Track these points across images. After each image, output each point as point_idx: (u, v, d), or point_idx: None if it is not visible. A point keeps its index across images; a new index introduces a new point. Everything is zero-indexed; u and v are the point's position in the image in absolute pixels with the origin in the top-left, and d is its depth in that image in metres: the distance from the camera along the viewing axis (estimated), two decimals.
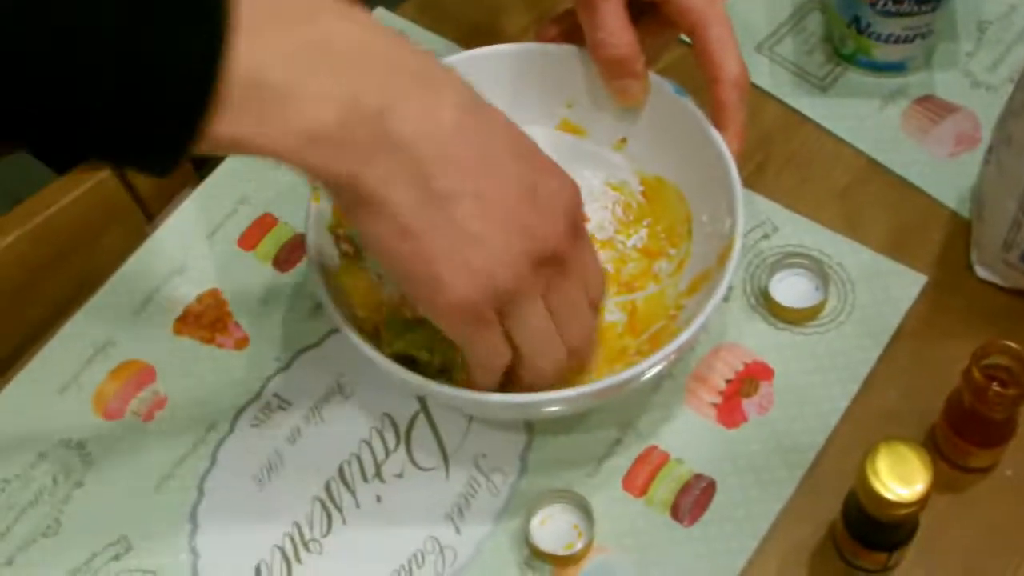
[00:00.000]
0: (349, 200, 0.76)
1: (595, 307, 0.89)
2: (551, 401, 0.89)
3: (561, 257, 0.80)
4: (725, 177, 0.94)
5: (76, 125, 0.68)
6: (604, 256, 1.01)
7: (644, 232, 1.02)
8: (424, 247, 0.76)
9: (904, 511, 0.83)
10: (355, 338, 0.88)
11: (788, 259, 1.04)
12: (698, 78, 0.96)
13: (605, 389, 0.87)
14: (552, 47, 1.01)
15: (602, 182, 1.03)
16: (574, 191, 0.83)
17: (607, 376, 0.90)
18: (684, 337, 0.88)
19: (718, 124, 0.96)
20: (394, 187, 0.74)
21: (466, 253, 0.76)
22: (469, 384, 0.87)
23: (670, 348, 0.87)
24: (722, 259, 0.92)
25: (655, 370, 0.89)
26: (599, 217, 1.03)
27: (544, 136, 0.99)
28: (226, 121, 0.68)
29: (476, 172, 0.76)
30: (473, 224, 0.76)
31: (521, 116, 0.95)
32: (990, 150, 1.01)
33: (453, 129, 0.75)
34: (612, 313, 0.99)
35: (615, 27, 0.94)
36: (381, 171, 0.73)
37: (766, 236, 1.06)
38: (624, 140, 1.02)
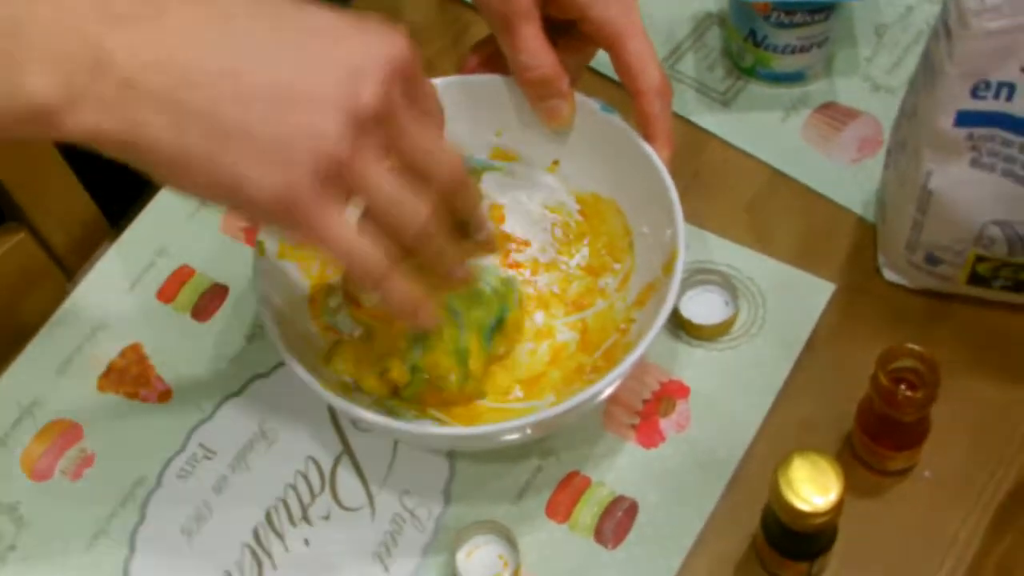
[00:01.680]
0: (128, 158, 0.73)
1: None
2: (510, 429, 0.90)
3: (372, 119, 0.75)
4: (660, 188, 0.95)
5: None
6: (548, 278, 1.03)
7: (586, 250, 1.03)
8: (196, 169, 0.73)
9: (819, 520, 0.84)
10: (299, 368, 0.90)
11: (697, 276, 1.05)
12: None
13: (566, 412, 0.88)
14: (476, 77, 1.02)
15: (539, 205, 1.04)
16: (380, 48, 0.76)
17: (566, 397, 0.90)
18: (639, 351, 0.89)
19: (646, 135, 0.96)
20: (149, 131, 0.72)
21: (252, 154, 0.72)
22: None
23: (626, 364, 0.89)
24: (667, 268, 0.93)
25: (612, 387, 0.91)
26: (540, 240, 1.04)
27: None
28: None
29: (221, 77, 0.72)
30: (251, 126, 0.72)
31: None
32: (889, 154, 1.03)
33: (182, 47, 0.72)
34: (563, 333, 1.01)
35: (536, 49, 0.95)
36: (129, 119, 0.71)
37: None
38: (557, 162, 1.03)
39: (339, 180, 0.74)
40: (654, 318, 0.90)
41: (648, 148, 0.96)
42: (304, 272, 0.99)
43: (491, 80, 1.01)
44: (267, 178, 0.72)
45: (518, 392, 0.98)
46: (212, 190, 0.74)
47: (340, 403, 0.89)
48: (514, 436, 0.93)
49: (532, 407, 0.96)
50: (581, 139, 1.01)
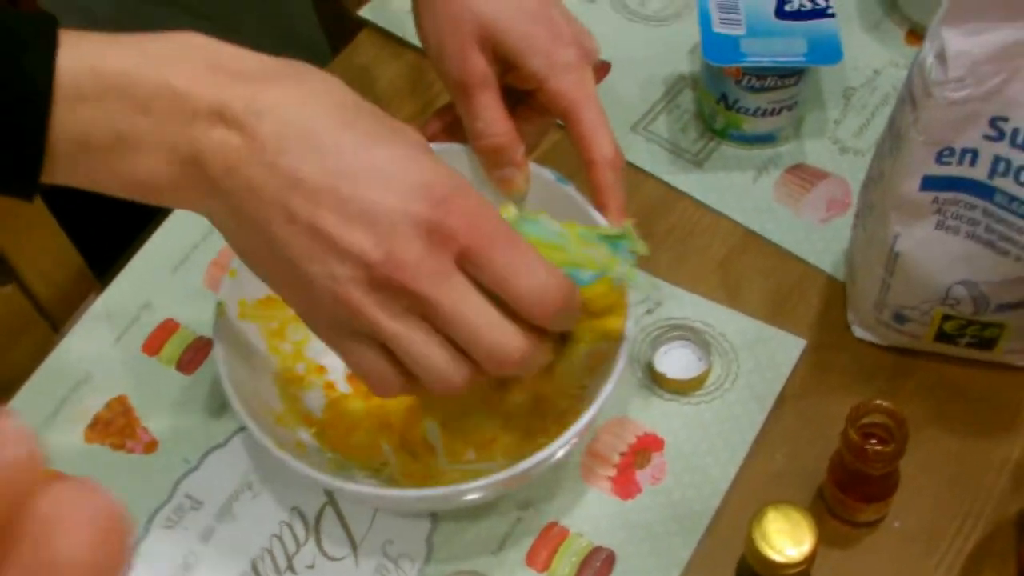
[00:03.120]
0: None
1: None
2: (462, 492, 0.91)
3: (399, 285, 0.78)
4: None
5: None
6: None
7: None
8: (255, 265, 0.82)
9: (793, 571, 0.86)
10: (260, 434, 0.91)
11: (671, 332, 1.07)
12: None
13: (513, 477, 0.90)
14: (435, 146, 1.02)
15: None
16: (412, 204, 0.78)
17: (517, 461, 0.91)
18: (588, 415, 0.90)
19: (598, 205, 0.98)
20: (222, 221, 0.80)
21: (290, 272, 0.79)
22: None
23: (577, 427, 0.90)
24: (616, 340, 0.94)
25: (563, 450, 0.92)
26: None
27: None
28: (60, 175, 0.77)
29: (279, 194, 0.76)
30: (287, 250, 0.78)
31: None
32: (857, 216, 1.06)
33: (259, 162, 0.76)
34: (515, 398, 1.02)
35: (493, 116, 0.97)
36: (207, 208, 0.79)
37: (649, 311, 1.09)
38: None
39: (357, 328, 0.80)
40: (603, 385, 0.91)
41: (601, 220, 0.97)
42: (263, 333, 1.01)
43: (450, 148, 1.02)
44: (296, 302, 0.82)
45: (471, 455, 1.00)
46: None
47: (296, 465, 0.90)
48: (473, 496, 0.94)
49: (487, 469, 0.97)
50: (535, 209, 1.02)
